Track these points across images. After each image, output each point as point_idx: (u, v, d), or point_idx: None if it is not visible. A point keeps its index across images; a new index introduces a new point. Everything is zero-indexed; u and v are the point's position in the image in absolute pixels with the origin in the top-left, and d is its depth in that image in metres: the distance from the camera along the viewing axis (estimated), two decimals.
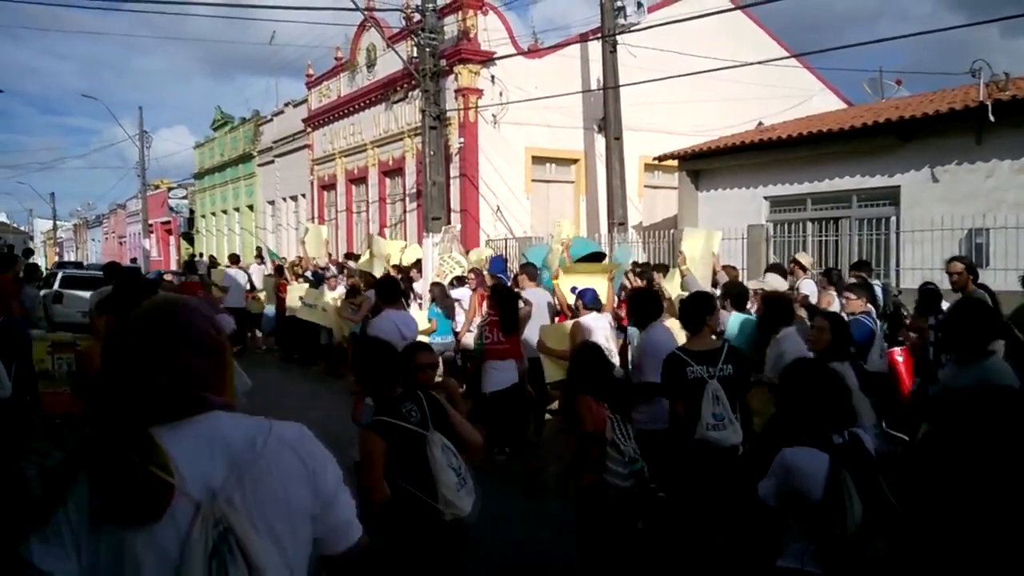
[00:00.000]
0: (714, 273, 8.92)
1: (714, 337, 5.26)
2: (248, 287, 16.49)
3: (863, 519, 2.80)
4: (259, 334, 16.70)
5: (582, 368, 4.50)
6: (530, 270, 9.39)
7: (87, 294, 12.02)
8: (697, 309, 5.02)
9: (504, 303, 7.48)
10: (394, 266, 13.47)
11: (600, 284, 8.61)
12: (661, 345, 5.41)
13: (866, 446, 3.07)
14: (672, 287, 8.42)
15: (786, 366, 3.46)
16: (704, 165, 15.55)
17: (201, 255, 28.61)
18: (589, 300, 7.37)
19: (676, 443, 4.85)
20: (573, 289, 7.99)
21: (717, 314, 5.63)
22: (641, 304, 5.42)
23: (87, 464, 1.51)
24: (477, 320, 10.36)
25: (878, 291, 8.33)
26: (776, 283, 6.71)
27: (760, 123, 17.48)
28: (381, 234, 20.36)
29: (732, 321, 6.25)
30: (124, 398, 1.58)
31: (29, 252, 20.46)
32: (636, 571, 4.47)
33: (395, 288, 6.94)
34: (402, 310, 6.74)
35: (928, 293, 7.28)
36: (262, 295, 16.26)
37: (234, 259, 18.06)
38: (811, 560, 2.87)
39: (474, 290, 10.75)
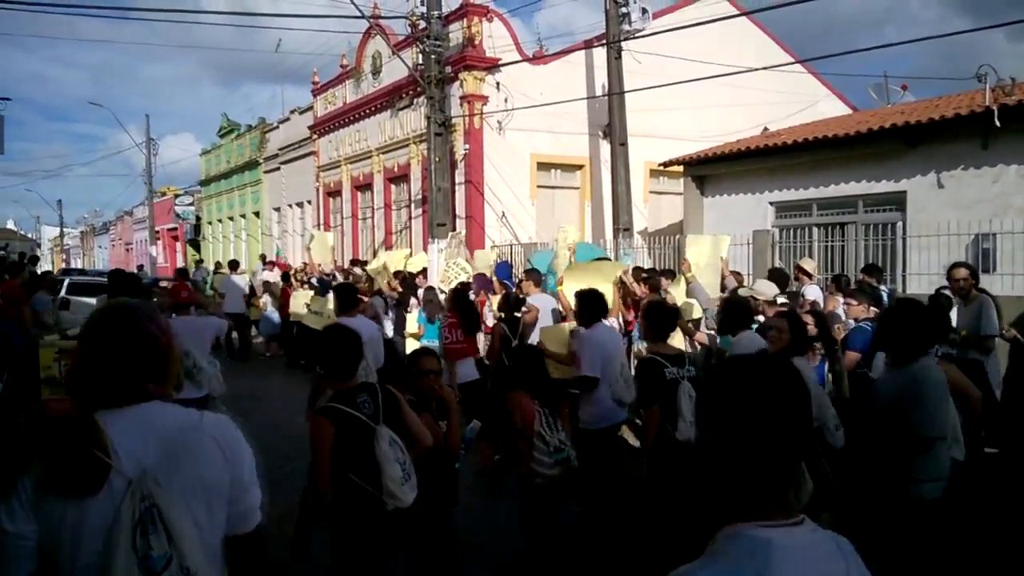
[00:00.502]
0: (722, 278, 8.91)
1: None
2: (248, 292, 16.57)
3: (812, 494, 3.05)
4: (259, 338, 16.77)
5: (518, 367, 4.76)
6: (535, 276, 9.40)
7: (94, 300, 12.10)
8: (665, 319, 5.33)
9: (464, 306, 7.88)
10: (397, 272, 13.51)
11: (604, 288, 8.64)
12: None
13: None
14: (678, 293, 8.41)
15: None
16: (709, 171, 15.55)
17: (201, 261, 28.75)
18: None
19: (658, 446, 4.98)
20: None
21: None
22: (657, 318, 5.46)
23: (39, 445, 1.78)
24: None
25: (884, 297, 8.29)
26: (766, 290, 6.67)
27: (765, 128, 17.47)
28: (387, 241, 20.42)
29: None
30: (78, 386, 1.89)
31: (35, 259, 20.59)
32: (577, 554, 4.82)
33: (352, 295, 7.21)
34: (355, 316, 6.94)
35: (936, 300, 7.24)
36: (262, 301, 16.32)
37: (234, 265, 18.17)
38: None
39: (476, 295, 10.76)
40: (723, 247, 9.11)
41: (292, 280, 15.74)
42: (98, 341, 1.92)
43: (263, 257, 25.24)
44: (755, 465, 1.40)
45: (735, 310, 5.65)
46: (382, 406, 3.68)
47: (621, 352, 6.17)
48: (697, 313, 7.72)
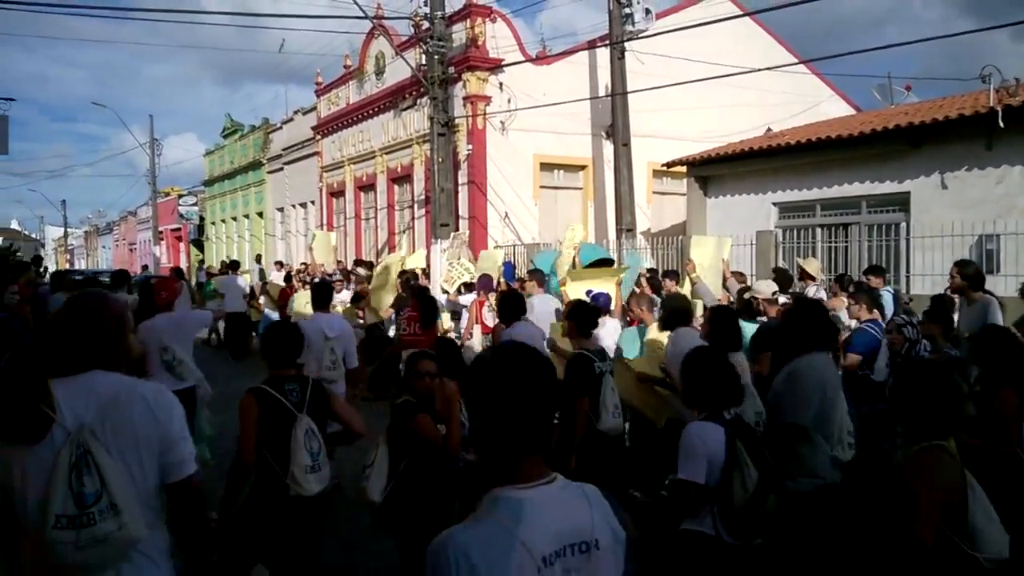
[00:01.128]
0: (724, 280, 8.89)
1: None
2: (248, 292, 16.65)
3: (759, 480, 3.23)
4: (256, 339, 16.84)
5: (441, 358, 5.03)
6: (538, 276, 9.40)
7: None
8: (589, 316, 5.63)
9: (424, 301, 8.27)
10: (401, 272, 13.52)
11: (609, 288, 8.67)
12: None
13: (745, 420, 3.68)
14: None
15: (686, 354, 3.78)
16: (713, 171, 15.54)
17: (203, 262, 28.88)
18: (603, 304, 7.52)
19: (584, 437, 5.16)
20: (588, 292, 8.06)
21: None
22: (581, 316, 5.68)
23: None
24: (478, 327, 10.39)
25: (888, 298, 8.27)
26: (764, 288, 6.68)
27: (769, 129, 17.45)
28: (390, 241, 20.43)
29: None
30: (40, 357, 2.35)
31: (38, 259, 20.66)
32: None
33: (326, 292, 7.44)
34: (327, 313, 7.16)
35: (938, 300, 7.22)
36: (261, 301, 16.40)
37: (234, 266, 18.34)
38: (716, 521, 3.24)
39: (477, 295, 10.78)
40: (725, 249, 9.11)
41: (293, 280, 15.79)
42: (59, 323, 2.43)
43: (259, 257, 25.31)
44: (502, 437, 1.69)
45: (674, 308, 5.86)
46: (309, 397, 3.94)
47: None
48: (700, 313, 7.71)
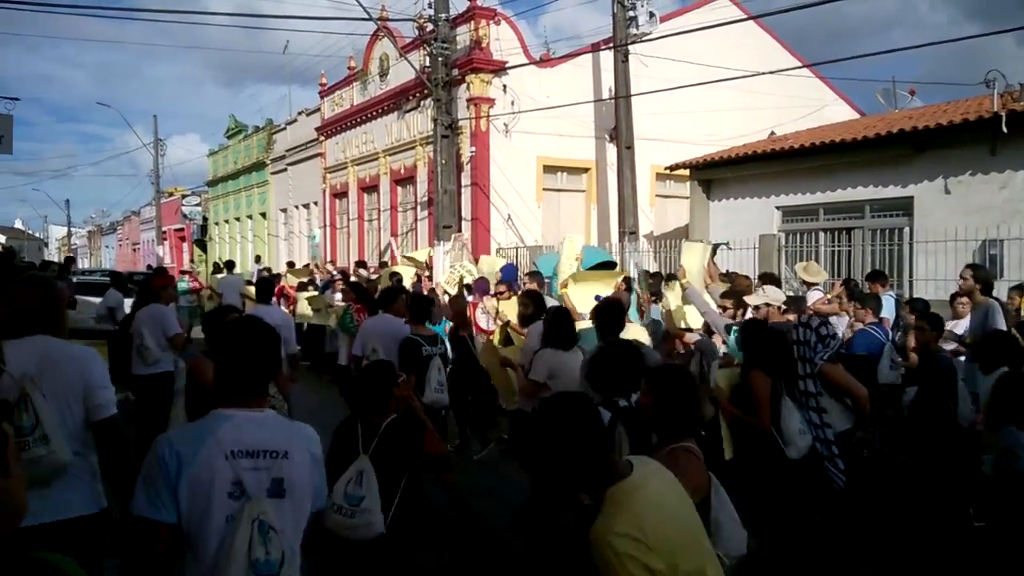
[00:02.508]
0: (707, 284, 8.91)
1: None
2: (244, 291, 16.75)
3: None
4: None
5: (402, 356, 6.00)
6: (537, 278, 9.44)
7: (98, 299, 12.19)
8: (423, 306, 6.70)
9: (363, 296, 9.07)
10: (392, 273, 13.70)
11: (607, 292, 8.71)
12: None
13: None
14: (673, 297, 8.47)
15: (596, 349, 4.42)
16: (716, 175, 15.53)
17: (258, 258, 29.14)
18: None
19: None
20: (597, 297, 8.11)
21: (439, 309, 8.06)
22: (416, 306, 6.68)
23: None
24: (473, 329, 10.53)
25: (889, 303, 8.27)
26: (775, 295, 6.69)
27: (772, 133, 17.44)
28: (392, 240, 20.44)
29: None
30: None
31: (70, 260, 20.94)
32: None
33: (268, 287, 8.25)
34: (268, 305, 7.99)
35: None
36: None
37: (230, 266, 18.50)
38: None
39: (471, 297, 10.84)
40: (709, 254, 9.19)
41: (287, 279, 15.98)
42: (9, 298, 3.10)
43: (258, 258, 25.35)
44: (232, 375, 2.43)
45: (536, 306, 6.50)
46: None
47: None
48: (693, 317, 7.73)
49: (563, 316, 5.69)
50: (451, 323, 9.03)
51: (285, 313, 8.39)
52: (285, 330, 6.91)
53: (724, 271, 10.13)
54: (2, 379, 2.84)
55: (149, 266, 36.26)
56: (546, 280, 11.31)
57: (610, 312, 5.32)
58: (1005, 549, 4.24)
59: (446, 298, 12.18)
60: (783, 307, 6.63)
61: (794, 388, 4.97)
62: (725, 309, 6.54)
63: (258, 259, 25.33)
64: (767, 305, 6.51)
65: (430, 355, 6.14)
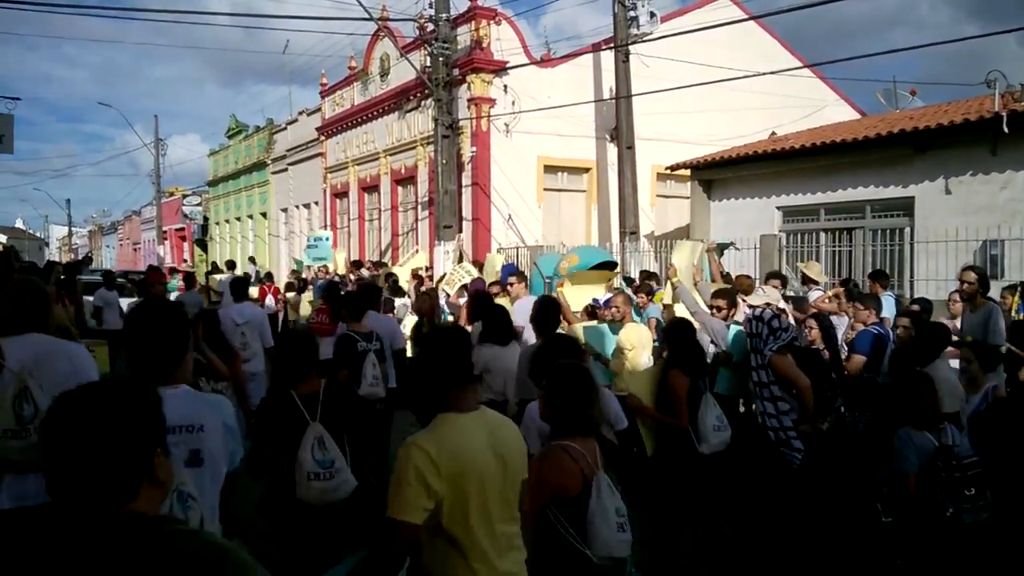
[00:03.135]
0: (695, 283, 8.98)
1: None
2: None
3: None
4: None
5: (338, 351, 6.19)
6: (523, 279, 9.77)
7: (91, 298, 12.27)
8: (364, 301, 6.71)
9: (334, 298, 9.19)
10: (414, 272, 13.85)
11: (598, 293, 8.78)
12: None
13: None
14: (665, 297, 8.56)
15: (538, 345, 4.67)
16: (717, 175, 15.53)
17: (192, 264, 29.36)
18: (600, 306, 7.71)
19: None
20: (595, 300, 8.21)
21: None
22: (353, 302, 6.72)
23: None
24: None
25: (890, 303, 8.27)
26: (775, 295, 6.71)
27: (773, 133, 17.43)
28: (393, 242, 20.45)
29: (732, 332, 6.35)
30: None
31: (88, 259, 21.16)
32: None
33: (243, 285, 8.76)
34: (242, 303, 8.36)
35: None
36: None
37: (230, 266, 18.66)
38: None
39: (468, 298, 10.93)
40: (697, 253, 9.30)
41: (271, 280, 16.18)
42: (4, 299, 3.37)
43: (252, 259, 25.40)
44: (136, 356, 2.65)
45: (547, 311, 6.19)
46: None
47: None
48: (681, 314, 7.76)
49: (500, 314, 5.84)
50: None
51: (259, 309, 8.93)
52: (256, 326, 7.92)
53: (724, 271, 10.14)
54: (3, 373, 3.15)
55: (150, 265, 36.31)
56: (546, 280, 11.32)
57: (545, 311, 5.45)
58: (905, 544, 4.38)
59: (443, 297, 12.25)
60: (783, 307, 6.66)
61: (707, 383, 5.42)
62: (719, 309, 6.53)
63: (252, 260, 25.35)
64: (767, 305, 6.52)
65: (365, 350, 6.34)
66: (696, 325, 6.01)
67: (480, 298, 7.54)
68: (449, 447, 2.46)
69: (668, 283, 8.58)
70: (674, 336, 5.24)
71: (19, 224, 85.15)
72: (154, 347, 2.65)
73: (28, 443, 3.05)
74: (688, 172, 16.11)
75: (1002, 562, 4.20)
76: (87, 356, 3.42)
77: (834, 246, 13.18)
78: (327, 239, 18.07)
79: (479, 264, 13.92)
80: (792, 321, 6.65)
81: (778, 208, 14.31)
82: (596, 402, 3.06)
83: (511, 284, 9.29)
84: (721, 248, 10.20)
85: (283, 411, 3.66)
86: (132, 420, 1.53)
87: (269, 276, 17.67)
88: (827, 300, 8.54)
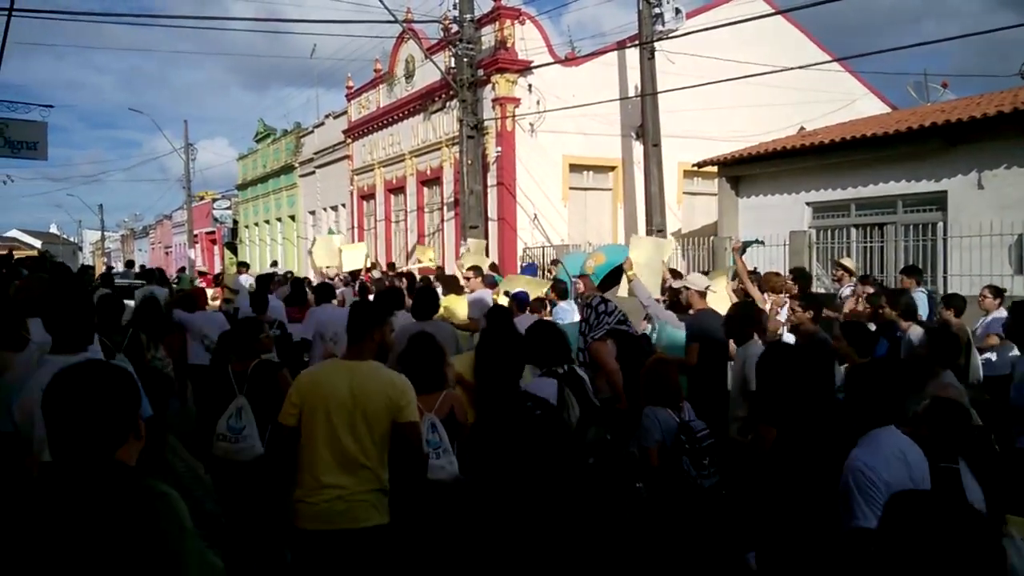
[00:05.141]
0: (664, 281, 9.04)
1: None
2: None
3: (580, 415, 4.26)
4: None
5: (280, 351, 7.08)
6: (479, 273, 9.97)
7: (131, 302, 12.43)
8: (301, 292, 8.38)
9: (298, 292, 10.10)
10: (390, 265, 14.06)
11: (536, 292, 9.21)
12: None
13: (579, 373, 4.66)
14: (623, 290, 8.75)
15: (531, 325, 5.05)
16: (745, 171, 15.38)
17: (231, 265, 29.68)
18: (524, 299, 8.21)
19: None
20: (506, 293, 8.85)
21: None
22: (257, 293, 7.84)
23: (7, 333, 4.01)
24: None
25: (922, 299, 8.11)
26: (698, 281, 6.81)
27: (802, 128, 17.24)
28: (420, 241, 20.52)
29: (670, 332, 6.71)
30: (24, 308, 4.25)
31: (131, 263, 21.77)
32: None
33: (192, 301, 8.94)
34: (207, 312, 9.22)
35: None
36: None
37: (244, 266, 18.93)
38: None
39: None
40: (666, 251, 9.38)
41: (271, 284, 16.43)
42: (25, 290, 4.59)
43: (275, 263, 25.68)
44: (51, 330, 3.52)
45: (426, 297, 6.95)
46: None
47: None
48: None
49: (426, 294, 6.67)
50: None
51: (219, 315, 9.50)
52: (217, 328, 8.62)
53: (753, 268, 10.06)
54: (30, 346, 3.81)
55: (181, 268, 36.85)
56: (573, 280, 11.30)
57: (424, 296, 6.44)
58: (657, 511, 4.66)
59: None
60: (706, 291, 6.78)
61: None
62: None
63: (274, 263, 25.61)
64: (686, 289, 6.71)
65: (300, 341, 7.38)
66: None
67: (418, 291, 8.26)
68: (310, 379, 3.53)
69: (624, 276, 8.81)
70: (491, 319, 6.07)
71: (53, 229, 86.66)
72: (64, 324, 3.46)
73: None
74: (715, 169, 15.98)
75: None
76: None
77: (865, 242, 13.00)
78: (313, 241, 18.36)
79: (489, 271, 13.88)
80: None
81: (808, 204, 14.15)
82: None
83: (467, 279, 9.65)
84: (745, 246, 10.16)
85: (218, 383, 4.70)
86: (120, 388, 1.96)
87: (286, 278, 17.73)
88: (856, 303, 8.36)
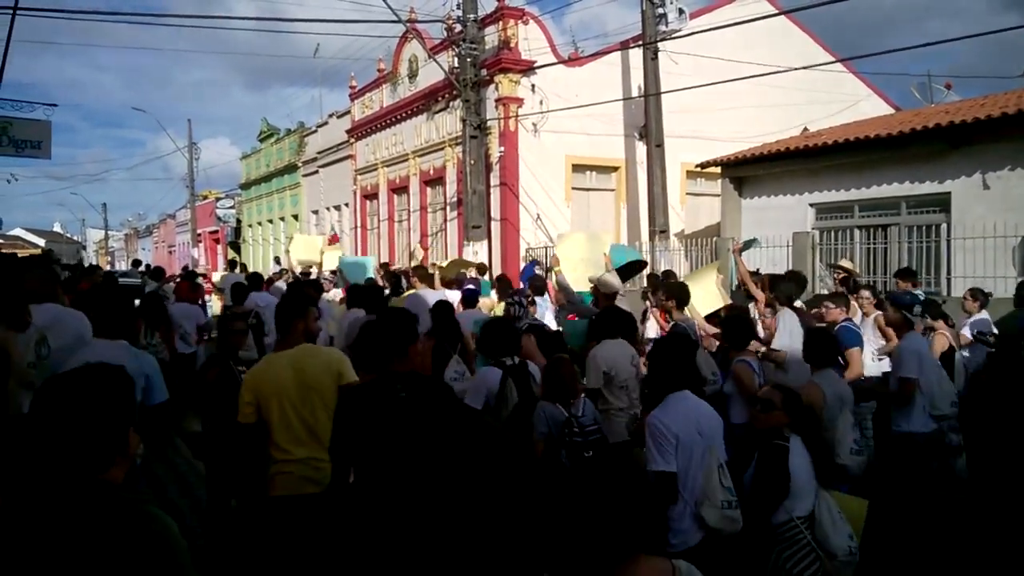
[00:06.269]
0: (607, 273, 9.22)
1: None
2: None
3: (519, 404, 4.67)
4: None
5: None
6: (420, 272, 10.53)
7: None
8: (242, 291, 8.81)
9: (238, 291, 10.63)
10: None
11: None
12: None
13: (529, 367, 5.05)
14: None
15: (486, 321, 5.85)
16: (748, 172, 15.36)
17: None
18: (469, 296, 8.66)
19: None
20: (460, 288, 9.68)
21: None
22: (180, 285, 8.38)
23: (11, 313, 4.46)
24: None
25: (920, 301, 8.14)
26: (612, 281, 7.23)
27: (805, 129, 17.22)
28: (423, 243, 20.53)
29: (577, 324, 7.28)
30: (24, 298, 4.66)
31: (137, 262, 21.99)
32: None
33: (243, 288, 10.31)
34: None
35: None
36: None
37: (232, 265, 19.00)
38: None
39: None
40: (605, 244, 9.51)
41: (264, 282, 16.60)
42: (35, 281, 4.91)
43: (277, 259, 25.72)
44: (96, 320, 4.32)
45: (361, 293, 7.69)
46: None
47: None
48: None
49: (370, 291, 7.46)
50: None
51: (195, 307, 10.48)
52: (194, 320, 9.71)
53: (755, 269, 10.04)
54: (30, 328, 4.42)
55: (185, 267, 36.93)
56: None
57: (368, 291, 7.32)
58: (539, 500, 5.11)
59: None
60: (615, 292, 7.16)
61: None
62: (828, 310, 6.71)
63: (277, 260, 25.66)
64: (594, 288, 7.27)
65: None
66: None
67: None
68: (255, 377, 4.00)
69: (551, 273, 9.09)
70: (437, 315, 6.68)
71: (57, 228, 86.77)
72: (107, 316, 4.21)
73: (43, 371, 4.26)
74: (719, 170, 15.95)
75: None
76: (83, 318, 4.56)
77: (869, 243, 12.97)
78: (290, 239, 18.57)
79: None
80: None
81: (811, 205, 14.12)
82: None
83: (414, 280, 10.08)
84: (746, 246, 10.15)
85: (223, 374, 5.14)
86: (107, 405, 1.80)
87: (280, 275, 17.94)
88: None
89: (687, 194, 19.01)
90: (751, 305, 7.80)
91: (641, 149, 16.78)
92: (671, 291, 7.01)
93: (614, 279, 7.44)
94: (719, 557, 3.60)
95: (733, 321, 5.89)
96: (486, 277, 13.19)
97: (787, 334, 6.17)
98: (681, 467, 3.56)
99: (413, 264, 14.62)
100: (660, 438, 3.51)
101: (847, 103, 18.93)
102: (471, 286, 11.21)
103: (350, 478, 3.09)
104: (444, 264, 14.10)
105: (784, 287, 6.79)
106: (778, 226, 13.24)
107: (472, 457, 2.55)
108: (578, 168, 18.12)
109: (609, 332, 5.63)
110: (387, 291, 12.04)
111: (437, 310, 6.82)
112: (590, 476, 2.25)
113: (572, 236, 9.61)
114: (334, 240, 21.14)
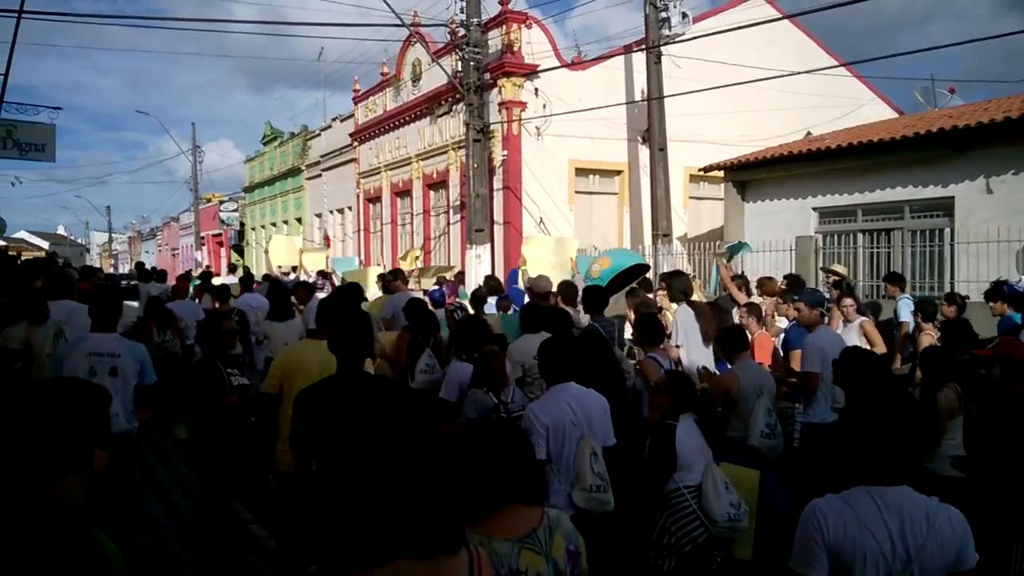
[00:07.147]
0: (573, 276, 9.35)
1: None
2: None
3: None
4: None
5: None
6: (401, 276, 10.51)
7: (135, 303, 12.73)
8: (225, 290, 9.35)
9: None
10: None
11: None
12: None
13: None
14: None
15: (459, 320, 6.91)
16: (751, 176, 15.35)
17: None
18: (436, 298, 8.79)
19: None
20: (426, 291, 9.88)
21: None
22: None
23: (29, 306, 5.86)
24: None
25: (907, 305, 8.25)
26: (544, 284, 7.82)
27: (809, 133, 17.20)
28: (426, 246, 20.53)
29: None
30: (42, 295, 6.05)
31: (141, 264, 22.12)
32: None
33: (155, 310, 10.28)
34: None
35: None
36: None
37: (232, 268, 19.06)
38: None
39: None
40: (572, 249, 9.71)
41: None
42: (52, 279, 6.21)
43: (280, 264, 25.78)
44: (93, 316, 5.17)
45: (278, 297, 8.31)
46: None
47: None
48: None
49: (350, 288, 7.71)
50: None
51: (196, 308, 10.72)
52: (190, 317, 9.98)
53: (739, 272, 10.11)
54: (48, 321, 5.25)
55: (188, 270, 36.96)
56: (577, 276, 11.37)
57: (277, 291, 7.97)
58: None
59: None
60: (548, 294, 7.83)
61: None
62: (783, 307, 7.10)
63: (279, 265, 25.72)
64: (529, 290, 7.86)
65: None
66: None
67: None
68: (287, 356, 4.70)
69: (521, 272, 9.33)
70: (409, 311, 7.13)
71: (61, 230, 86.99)
72: (100, 312, 5.00)
73: (58, 360, 4.84)
74: (722, 174, 15.95)
75: None
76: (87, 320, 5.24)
77: (872, 247, 12.96)
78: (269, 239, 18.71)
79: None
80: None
81: (814, 209, 14.11)
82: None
83: (397, 283, 10.06)
84: (732, 252, 10.19)
85: (211, 378, 5.25)
86: (58, 419, 1.73)
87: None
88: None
89: (690, 198, 19.00)
90: (734, 309, 7.82)
91: (644, 153, 16.77)
92: (580, 293, 7.69)
93: (546, 282, 8.17)
94: (610, 522, 4.05)
95: (645, 320, 6.11)
96: (464, 287, 13.46)
97: (682, 331, 6.56)
98: (554, 453, 3.83)
99: (407, 267, 14.81)
100: (531, 429, 3.75)
101: (850, 107, 18.92)
102: (445, 289, 11.39)
103: (312, 467, 3.51)
104: (423, 269, 14.45)
105: (677, 283, 7.20)
106: (781, 230, 13.24)
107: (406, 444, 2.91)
108: (581, 172, 18.11)
109: (531, 327, 5.98)
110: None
111: (410, 307, 7.30)
112: (480, 437, 2.52)
113: (540, 239, 9.85)
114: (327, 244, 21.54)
